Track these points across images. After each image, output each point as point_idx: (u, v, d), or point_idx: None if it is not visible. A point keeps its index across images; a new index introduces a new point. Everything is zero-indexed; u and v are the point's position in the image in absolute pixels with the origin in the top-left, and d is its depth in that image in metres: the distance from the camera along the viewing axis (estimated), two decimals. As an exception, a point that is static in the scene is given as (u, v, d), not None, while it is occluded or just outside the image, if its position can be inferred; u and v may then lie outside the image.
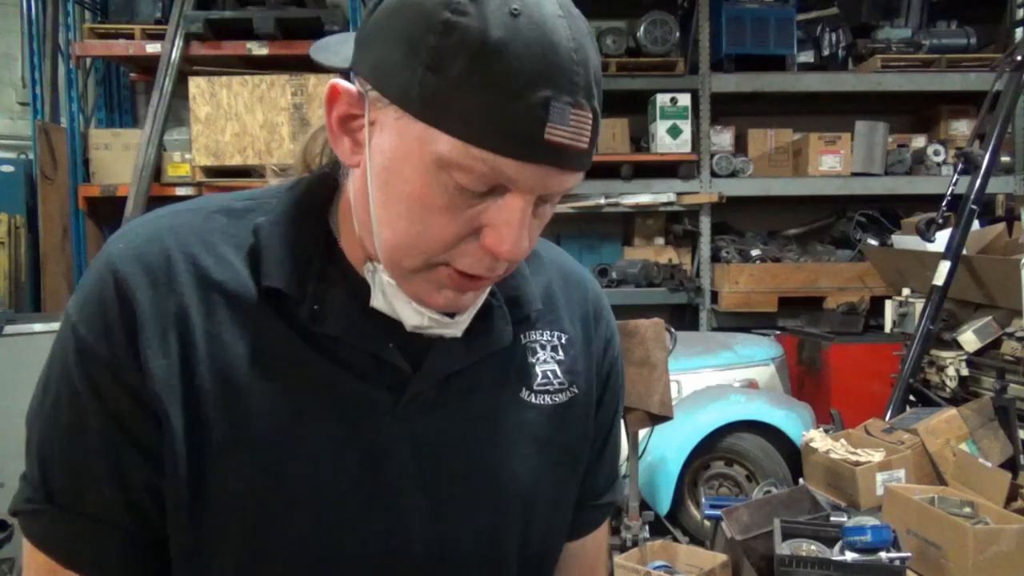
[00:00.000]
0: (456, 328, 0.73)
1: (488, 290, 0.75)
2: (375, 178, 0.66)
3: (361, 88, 0.67)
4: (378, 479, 0.71)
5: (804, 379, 4.45)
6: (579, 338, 0.84)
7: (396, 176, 0.64)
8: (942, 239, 3.22)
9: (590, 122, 0.63)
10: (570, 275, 0.88)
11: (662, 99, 4.90)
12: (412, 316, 0.71)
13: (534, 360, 0.80)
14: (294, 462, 0.69)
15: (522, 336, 0.80)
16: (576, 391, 0.82)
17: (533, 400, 0.79)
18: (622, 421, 0.95)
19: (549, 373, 0.81)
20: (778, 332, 4.79)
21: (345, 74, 0.70)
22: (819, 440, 2.76)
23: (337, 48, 0.72)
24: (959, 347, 3.12)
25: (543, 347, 0.81)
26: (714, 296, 5.12)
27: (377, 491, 0.71)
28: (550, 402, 0.80)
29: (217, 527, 0.69)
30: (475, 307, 0.74)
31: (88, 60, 5.08)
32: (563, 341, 0.82)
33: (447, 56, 0.59)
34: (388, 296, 0.71)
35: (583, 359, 0.84)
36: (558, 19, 0.61)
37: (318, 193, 0.75)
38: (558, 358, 0.82)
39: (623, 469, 2.85)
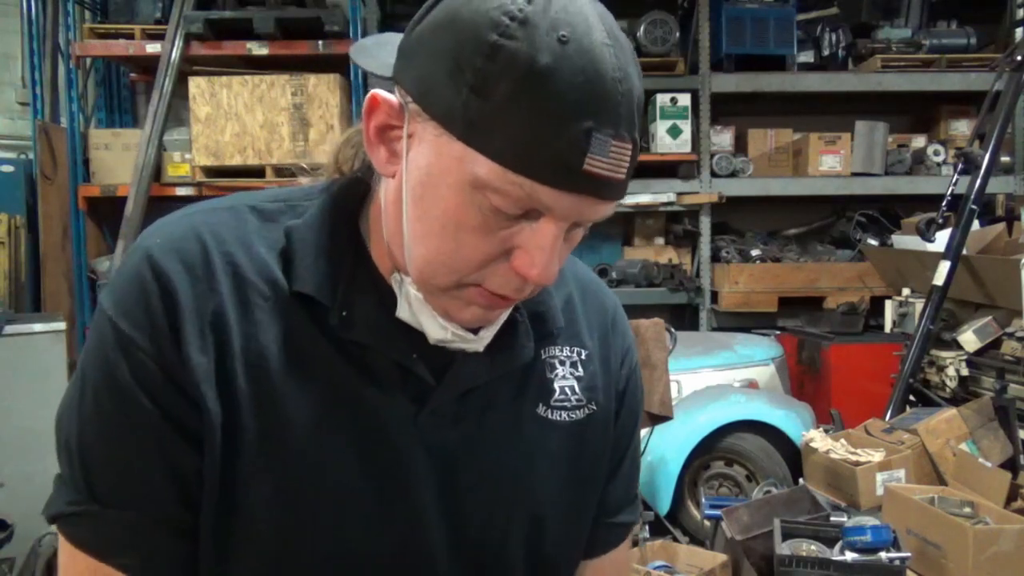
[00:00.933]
0: (479, 343, 0.73)
1: (513, 306, 0.75)
2: (410, 191, 0.66)
3: (401, 99, 0.66)
4: (397, 488, 0.71)
5: (804, 379, 4.45)
6: (597, 353, 0.84)
7: (432, 192, 0.64)
8: (942, 239, 3.22)
9: (629, 153, 0.63)
10: (588, 288, 0.87)
11: (662, 99, 4.90)
12: (436, 330, 0.71)
13: (552, 376, 0.80)
14: (320, 469, 0.69)
15: (542, 351, 0.80)
16: (594, 408, 0.81)
17: (550, 416, 0.79)
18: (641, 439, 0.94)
19: (567, 389, 0.80)
20: (778, 332, 4.79)
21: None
22: (819, 440, 2.77)
23: (375, 51, 0.72)
24: (959, 347, 3.12)
25: (562, 363, 0.81)
26: (714, 296, 5.12)
27: (396, 499, 0.72)
28: (567, 419, 0.80)
29: (242, 528, 0.68)
30: (498, 323, 0.74)
31: (88, 60, 5.08)
32: (582, 357, 0.82)
33: (492, 79, 0.59)
34: (414, 308, 0.71)
35: (602, 375, 0.83)
36: (605, 47, 0.61)
37: (350, 197, 0.75)
38: (577, 374, 0.81)
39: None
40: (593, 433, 0.81)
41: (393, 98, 0.67)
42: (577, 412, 0.80)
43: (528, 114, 0.59)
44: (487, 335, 0.73)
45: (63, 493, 0.69)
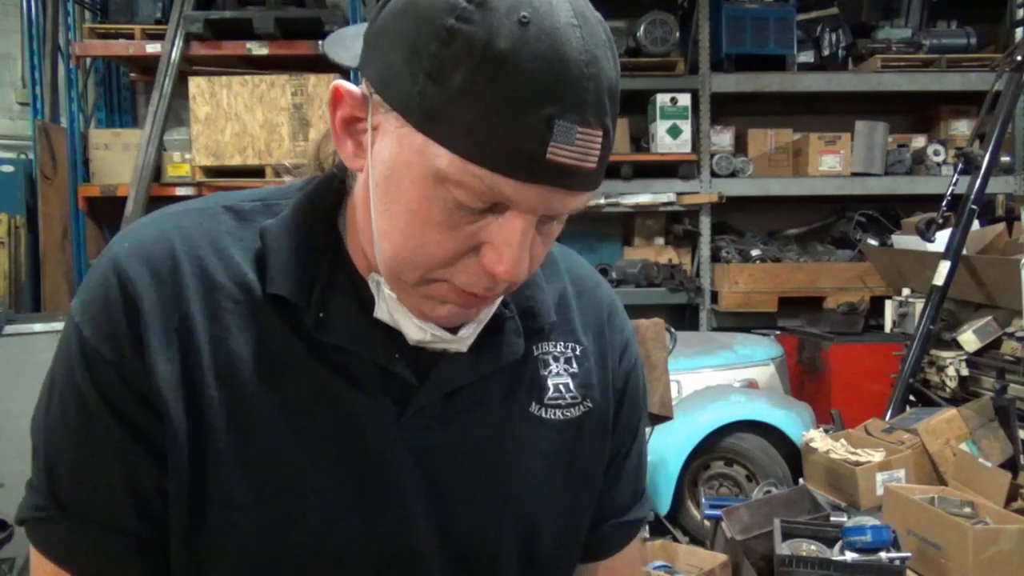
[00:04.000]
0: (461, 344, 0.70)
1: (498, 303, 0.72)
2: (376, 187, 0.64)
3: (366, 91, 0.64)
4: (381, 492, 0.70)
5: (804, 379, 4.44)
6: (593, 349, 0.81)
7: (395, 186, 0.62)
8: (942, 239, 3.22)
9: (599, 141, 0.59)
10: (584, 282, 0.84)
11: (662, 99, 4.90)
12: (414, 331, 0.69)
13: (546, 373, 0.77)
14: (300, 475, 0.68)
15: (534, 348, 0.77)
16: (590, 405, 0.79)
17: (543, 415, 0.76)
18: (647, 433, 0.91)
19: (561, 387, 0.77)
20: (778, 332, 4.79)
21: (345, 72, 0.69)
22: (819, 440, 2.77)
23: (352, 42, 0.69)
24: (959, 347, 3.12)
25: (556, 359, 0.78)
26: (714, 296, 5.12)
27: (381, 504, 0.70)
28: (561, 417, 0.77)
29: (219, 538, 0.67)
30: (481, 322, 0.71)
31: (88, 60, 5.07)
32: (577, 353, 0.79)
33: (448, 65, 0.56)
34: (390, 309, 0.69)
35: (598, 371, 0.80)
36: (571, 28, 0.57)
37: (327, 195, 0.73)
38: (571, 371, 0.78)
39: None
40: (589, 431, 0.79)
41: (356, 89, 0.65)
42: (572, 410, 0.77)
43: (486, 102, 0.56)
44: (469, 334, 0.70)
45: (31, 497, 0.69)
